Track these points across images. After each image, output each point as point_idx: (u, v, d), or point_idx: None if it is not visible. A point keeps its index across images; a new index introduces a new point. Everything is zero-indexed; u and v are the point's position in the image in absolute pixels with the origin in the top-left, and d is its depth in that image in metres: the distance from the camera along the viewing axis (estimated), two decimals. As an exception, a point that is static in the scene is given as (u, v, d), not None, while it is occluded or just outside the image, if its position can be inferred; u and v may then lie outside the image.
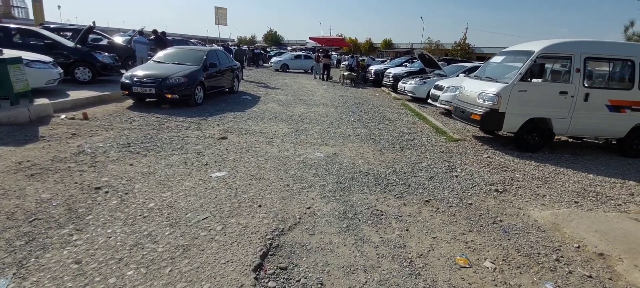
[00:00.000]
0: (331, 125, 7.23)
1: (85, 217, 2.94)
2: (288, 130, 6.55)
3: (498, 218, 3.46)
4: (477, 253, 2.83)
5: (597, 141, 7.17)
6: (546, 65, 5.90)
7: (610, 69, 5.88)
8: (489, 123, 5.93)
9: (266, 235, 2.87)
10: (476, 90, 6.16)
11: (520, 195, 4.11)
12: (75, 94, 7.65)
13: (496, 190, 4.17)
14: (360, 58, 21.89)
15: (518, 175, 4.76)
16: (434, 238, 3.01)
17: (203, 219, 3.03)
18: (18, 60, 5.52)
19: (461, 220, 3.38)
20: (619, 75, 5.96)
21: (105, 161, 4.22)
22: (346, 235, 2.97)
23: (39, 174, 3.69)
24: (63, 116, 6.09)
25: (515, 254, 2.86)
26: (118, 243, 2.59)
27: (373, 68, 18.16)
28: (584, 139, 7.07)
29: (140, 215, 3.02)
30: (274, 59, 25.11)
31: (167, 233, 2.77)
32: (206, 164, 4.39)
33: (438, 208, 3.59)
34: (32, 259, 2.36)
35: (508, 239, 3.08)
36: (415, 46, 51.83)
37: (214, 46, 18.77)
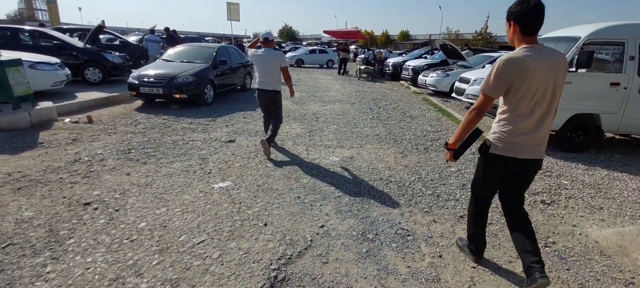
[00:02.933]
0: (348, 124, 6.71)
1: (65, 241, 2.56)
2: (301, 131, 6.07)
3: (550, 240, 2.87)
4: (531, 290, 2.26)
5: (649, 138, 6.33)
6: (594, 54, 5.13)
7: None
8: (526, 120, 5.23)
9: (271, 264, 2.41)
10: (510, 83, 5.46)
11: (572, 207, 3.48)
12: (83, 96, 7.44)
13: (542, 202, 3.55)
14: (376, 50, 21.12)
15: (565, 182, 4.10)
16: (475, 268, 2.46)
17: (198, 243, 2.60)
18: (17, 62, 5.28)
19: (504, 242, 2.81)
20: (682, 62, 5.13)
21: (101, 171, 3.88)
22: (366, 263, 2.48)
23: (27, 188, 3.36)
24: (67, 120, 5.84)
25: (580, 291, 2.28)
26: (96, 277, 2.19)
27: (391, 61, 17.39)
28: (632, 136, 6.25)
29: (127, 239, 2.62)
30: (288, 54, 24.65)
31: (154, 263, 2.35)
32: (209, 173, 3.98)
33: (475, 227, 3.03)
34: (-7, 299, 1.99)
35: (567, 269, 2.50)
36: (433, 37, 50.25)
37: (224, 43, 18.54)
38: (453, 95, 9.74)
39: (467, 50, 14.01)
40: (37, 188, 3.36)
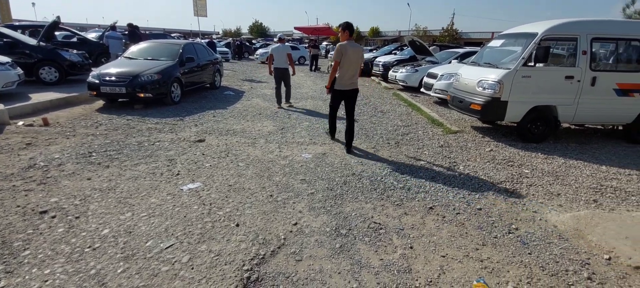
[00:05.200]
0: (320, 121, 6.71)
1: (20, 253, 2.38)
2: (273, 129, 6.00)
3: (513, 226, 3.01)
4: (497, 275, 2.37)
5: (601, 127, 6.82)
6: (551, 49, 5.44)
7: (619, 50, 5.47)
8: (491, 113, 5.48)
9: (243, 265, 2.36)
10: (475, 77, 5.70)
11: (533, 194, 3.68)
12: (38, 97, 6.95)
13: (505, 190, 3.73)
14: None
15: (526, 171, 4.33)
16: (444, 257, 2.55)
17: (167, 248, 2.50)
18: (-41, 61, 4.82)
19: (472, 230, 2.93)
20: (628, 56, 5.55)
21: (58, 176, 3.64)
22: (340, 258, 2.49)
23: (-27, 198, 3.09)
24: (20, 123, 5.43)
25: (540, 273, 2.42)
26: (54, 291, 2.05)
27: (362, 57, 17.58)
28: (586, 125, 6.71)
29: (89, 247, 2.47)
30: (259, 51, 24.29)
31: (119, 271, 2.24)
32: (178, 174, 3.84)
33: (444, 217, 3.13)
34: None
35: (529, 253, 2.64)
36: (402, 33, 51.32)
37: (198, 39, 17.96)
38: (422, 90, 10.01)
39: (433, 47, 14.42)
40: (-15, 198, 3.10)
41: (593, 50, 5.27)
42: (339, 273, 2.34)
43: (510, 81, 5.18)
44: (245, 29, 78.87)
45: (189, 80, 8.26)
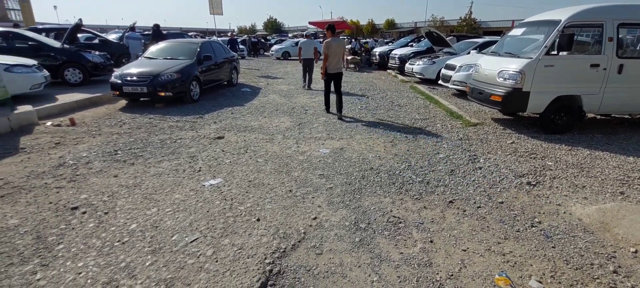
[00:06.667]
0: (337, 115, 6.71)
1: (54, 247, 2.52)
2: (290, 124, 6.06)
3: (536, 220, 2.95)
4: (519, 269, 2.34)
5: (628, 117, 6.54)
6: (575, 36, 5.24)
7: (648, 35, 5.21)
8: (512, 104, 5.34)
9: (265, 258, 2.42)
10: (495, 68, 5.56)
11: (557, 187, 3.59)
12: (64, 98, 7.24)
13: (528, 183, 3.65)
14: (363, 41, 21.04)
15: (550, 163, 4.22)
16: (465, 251, 2.53)
17: (191, 242, 2.59)
18: (-8, 66, 5.08)
19: (493, 224, 2.89)
20: (658, 41, 5.30)
21: (87, 174, 3.80)
22: (360, 252, 2.51)
23: (10, 195, 3.28)
24: (49, 123, 5.69)
25: (564, 267, 2.37)
26: (88, 282, 2.16)
27: (377, 50, 17.41)
28: (612, 115, 6.45)
29: (118, 241, 2.59)
30: (274, 47, 24.41)
31: (148, 264, 2.34)
32: (199, 170, 3.95)
33: (464, 210, 3.10)
34: (-17, 310, 1.95)
35: (552, 247, 2.59)
36: (419, 25, 50.39)
37: (214, 37, 18.20)
38: (440, 82, 9.84)
39: (451, 37, 14.11)
40: (21, 195, 3.28)
41: (619, 36, 5.04)
42: (359, 266, 2.36)
43: (533, 71, 5.02)
44: (259, 26, 79.30)
45: (207, 78, 8.41)
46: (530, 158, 4.39)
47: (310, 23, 30.16)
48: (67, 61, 8.72)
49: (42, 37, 9.22)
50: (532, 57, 5.07)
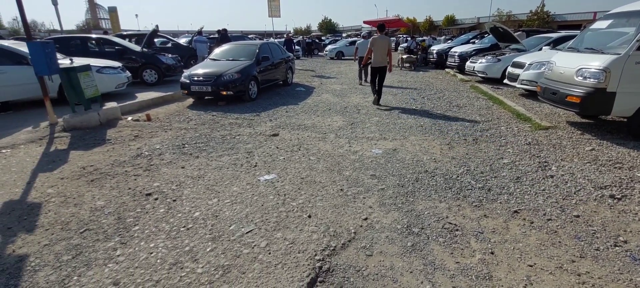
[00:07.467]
0: (390, 116, 6.57)
1: (131, 227, 2.83)
2: (343, 124, 6.07)
3: (620, 238, 2.59)
4: (598, 292, 2.08)
5: None
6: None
7: None
8: (593, 106, 4.74)
9: (315, 254, 2.46)
10: (573, 65, 4.98)
11: (649, 203, 3.11)
12: (142, 96, 8.10)
13: (611, 196, 3.21)
14: (419, 39, 20.29)
15: (639, 175, 3.67)
16: (531, 266, 2.31)
17: (247, 233, 2.73)
18: (87, 67, 5.87)
19: (566, 239, 2.59)
20: None
21: (159, 164, 4.21)
22: (412, 257, 2.43)
23: (99, 180, 3.76)
24: (129, 118, 6.40)
25: (658, 295, 2.04)
26: (158, 262, 2.40)
27: (435, 48, 16.65)
28: None
29: (184, 227, 2.83)
30: (328, 47, 24.64)
31: (208, 250, 2.52)
32: (255, 165, 4.14)
33: (532, 222, 2.83)
34: (75, 277, 2.26)
35: (641, 271, 2.25)
36: (482, 20, 47.14)
37: (272, 39, 18.98)
38: (505, 81, 9.11)
39: (520, 32, 12.96)
40: (106, 180, 3.74)
41: None
42: (411, 272, 2.29)
43: (620, 69, 4.41)
44: (314, 26, 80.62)
45: (264, 78, 8.80)
46: (615, 168, 3.86)
47: (365, 22, 29.91)
48: (146, 63, 9.75)
49: (126, 42, 10.44)
50: (620, 52, 4.44)
